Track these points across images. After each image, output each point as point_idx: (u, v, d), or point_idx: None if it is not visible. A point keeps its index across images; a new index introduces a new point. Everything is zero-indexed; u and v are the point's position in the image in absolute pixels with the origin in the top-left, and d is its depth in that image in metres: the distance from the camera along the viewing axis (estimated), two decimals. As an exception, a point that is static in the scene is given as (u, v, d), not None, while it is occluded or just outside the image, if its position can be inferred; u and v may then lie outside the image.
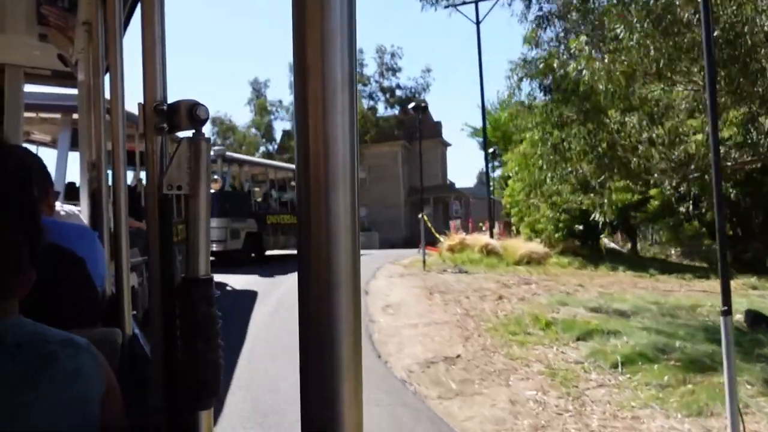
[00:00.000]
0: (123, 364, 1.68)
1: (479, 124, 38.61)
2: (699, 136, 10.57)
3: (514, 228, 31.25)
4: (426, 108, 21.28)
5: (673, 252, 22.70)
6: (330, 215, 0.50)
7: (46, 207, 2.18)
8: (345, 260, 0.51)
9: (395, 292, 11.26)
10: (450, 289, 11.60)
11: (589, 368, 6.24)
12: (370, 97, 44.22)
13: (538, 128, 12.37)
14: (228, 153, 17.16)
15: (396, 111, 42.69)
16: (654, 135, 10.75)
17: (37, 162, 2.22)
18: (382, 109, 43.45)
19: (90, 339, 1.16)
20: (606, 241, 22.12)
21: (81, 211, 4.00)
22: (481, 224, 29.89)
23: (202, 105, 1.08)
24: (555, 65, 10.82)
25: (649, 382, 5.79)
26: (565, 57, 10.86)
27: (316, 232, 0.50)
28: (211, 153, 16.90)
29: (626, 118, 10.83)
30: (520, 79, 12.16)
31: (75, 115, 6.38)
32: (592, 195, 13.90)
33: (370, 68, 44.97)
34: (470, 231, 23.12)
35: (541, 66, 11.39)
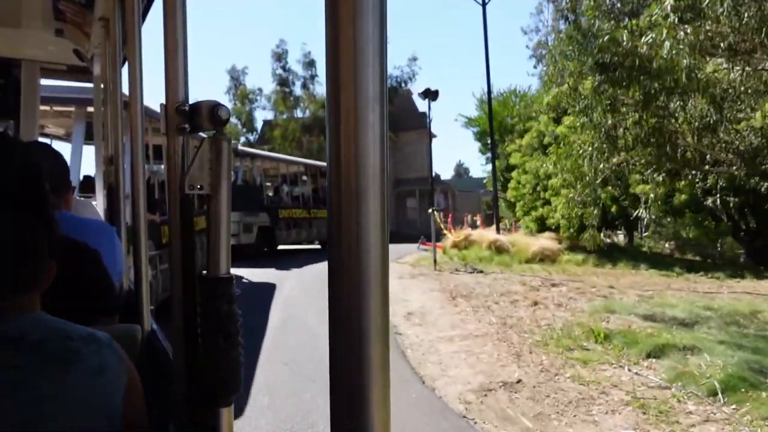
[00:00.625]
0: (142, 359, 1.70)
1: (471, 113, 37.03)
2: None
3: (508, 222, 29.86)
4: (437, 94, 19.99)
5: (666, 246, 21.77)
6: (360, 227, 0.51)
7: (64, 202, 2.21)
8: (375, 268, 0.52)
9: (413, 297, 10.48)
10: (473, 293, 10.80)
11: (681, 397, 5.21)
12: (356, 87, 44.23)
13: (582, 114, 11.52)
14: (240, 147, 17.25)
15: None
16: (724, 120, 9.74)
17: (54, 157, 2.25)
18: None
19: (109, 334, 1.18)
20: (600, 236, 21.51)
21: (96, 204, 4.04)
22: (468, 218, 28.62)
23: (224, 106, 1.10)
24: (623, 38, 9.62)
25: (766, 417, 4.74)
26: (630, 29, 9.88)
27: (347, 243, 0.51)
28: None
29: (691, 101, 9.78)
30: (569, 57, 11.43)
31: (90, 108, 6.44)
32: (646, 186, 12.75)
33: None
34: (449, 225, 22.08)
35: (603, 40, 10.15)
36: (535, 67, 53.30)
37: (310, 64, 40.21)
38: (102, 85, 3.60)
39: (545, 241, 17.55)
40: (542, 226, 22.07)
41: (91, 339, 1.11)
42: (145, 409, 1.23)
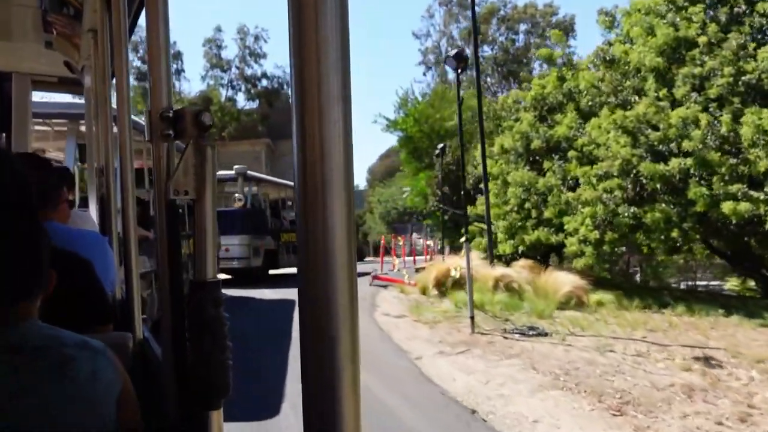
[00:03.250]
0: (135, 367, 1.71)
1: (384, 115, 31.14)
2: None
3: (439, 243, 24.91)
4: (468, 60, 14.27)
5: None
6: (327, 220, 0.53)
7: (59, 213, 2.22)
8: (342, 260, 0.54)
9: (521, 407, 5.79)
10: (608, 389, 6.41)
11: None
12: (231, 86, 39.14)
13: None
14: (249, 171, 17.38)
15: (256, 104, 36.57)
16: None
17: (44, 168, 2.26)
18: (242, 101, 37.41)
19: (102, 342, 1.19)
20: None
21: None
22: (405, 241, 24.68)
23: (207, 111, 1.11)
24: None
25: None
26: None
27: (313, 238, 0.53)
28: (233, 171, 16.96)
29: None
30: None
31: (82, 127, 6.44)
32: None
33: (231, 51, 39.05)
34: (430, 252, 19.97)
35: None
36: (424, 74, 49.33)
37: (176, 56, 37.01)
38: (93, 98, 3.62)
39: (570, 278, 12.83)
40: (531, 251, 16.62)
41: (85, 345, 1.12)
42: (140, 414, 1.24)
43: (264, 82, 37.87)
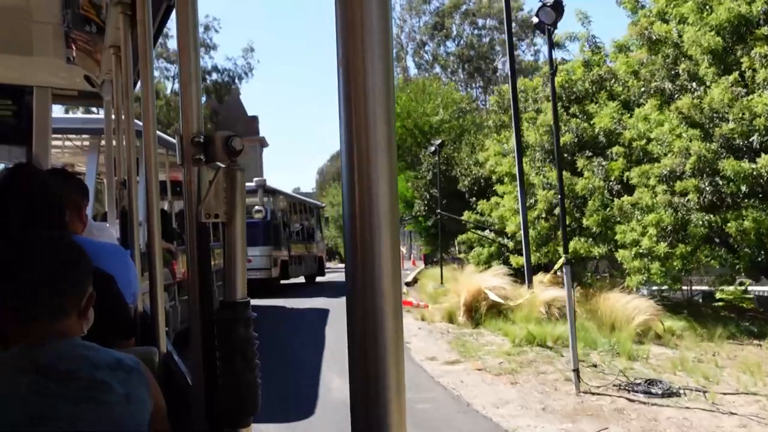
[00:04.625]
0: (159, 381, 1.74)
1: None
2: None
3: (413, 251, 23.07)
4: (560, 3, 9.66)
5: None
6: (372, 208, 0.58)
7: (79, 224, 2.26)
8: (386, 251, 0.59)
9: None
10: None
11: None
12: (177, 78, 38.36)
13: None
14: (267, 184, 17.63)
15: (206, 98, 33.69)
16: None
17: (70, 178, 2.31)
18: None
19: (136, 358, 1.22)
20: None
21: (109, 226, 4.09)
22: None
23: (237, 137, 1.14)
24: None
25: None
26: None
27: (361, 224, 0.58)
28: (253, 182, 17.24)
29: None
30: None
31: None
32: None
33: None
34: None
35: None
36: None
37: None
38: (113, 112, 3.68)
39: (618, 297, 10.49)
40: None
41: (118, 366, 1.15)
42: (170, 429, 1.27)
43: (214, 76, 35.72)
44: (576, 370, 6.89)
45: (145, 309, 2.48)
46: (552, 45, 8.95)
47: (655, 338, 9.60)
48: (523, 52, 40.56)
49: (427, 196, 22.51)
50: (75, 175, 2.43)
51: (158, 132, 2.19)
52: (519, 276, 13.09)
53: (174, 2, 2.44)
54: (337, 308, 12.90)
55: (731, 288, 12.81)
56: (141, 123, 2.29)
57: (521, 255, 13.89)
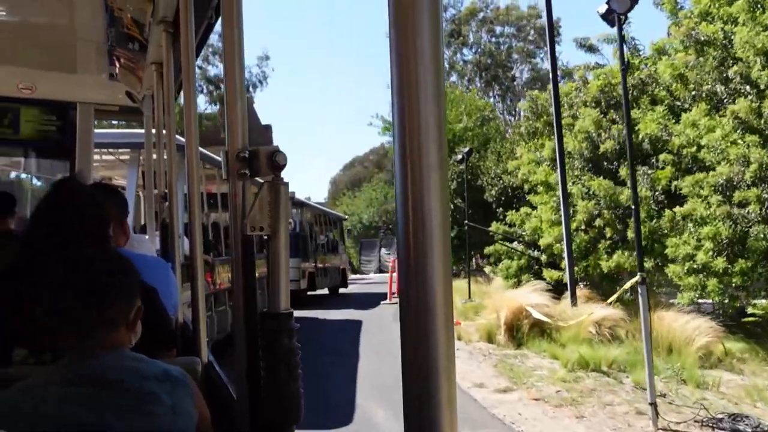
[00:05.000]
0: (202, 391, 1.77)
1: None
2: None
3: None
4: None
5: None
6: (423, 204, 0.59)
7: (122, 237, 2.32)
8: (438, 250, 0.60)
9: None
10: None
11: None
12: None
13: None
14: (296, 197, 17.84)
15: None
16: None
17: (115, 194, 2.37)
18: (203, 104, 33.13)
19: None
20: None
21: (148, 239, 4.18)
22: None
23: (281, 152, 1.17)
24: None
25: None
26: None
27: (414, 225, 0.59)
28: None
29: None
30: None
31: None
32: None
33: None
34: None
35: None
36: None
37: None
38: (153, 126, 3.77)
39: (668, 316, 9.62)
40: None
41: (165, 377, 1.18)
42: None
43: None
44: (653, 404, 6.07)
45: (185, 320, 2.53)
46: (623, 38, 7.95)
47: (719, 362, 8.62)
48: (542, 59, 39.96)
49: (451, 206, 21.85)
50: (116, 189, 2.49)
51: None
52: (554, 291, 12.36)
53: (214, 20, 2.51)
54: (368, 320, 13.13)
55: (764, 302, 11.79)
56: (182, 138, 2.35)
57: (555, 269, 13.35)
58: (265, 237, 1.17)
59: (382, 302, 16.74)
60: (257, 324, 1.20)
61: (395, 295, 17.10)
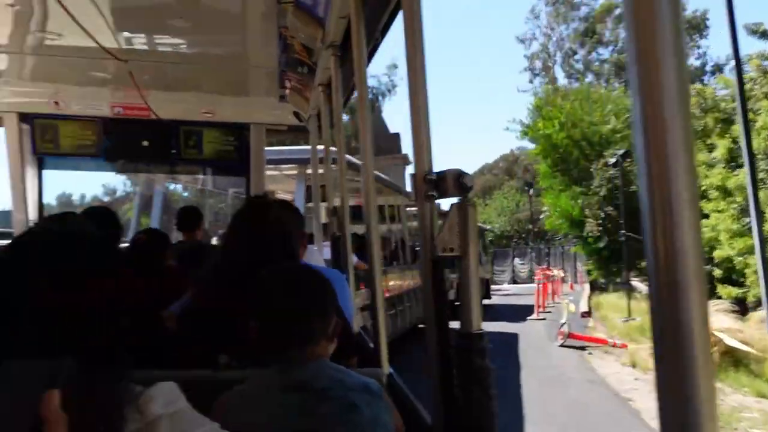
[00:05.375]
0: None
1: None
2: None
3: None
4: None
5: None
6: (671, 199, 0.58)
7: (302, 250, 2.47)
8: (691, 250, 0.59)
9: None
10: None
11: None
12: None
13: None
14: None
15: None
16: None
17: (292, 210, 2.52)
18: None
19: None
20: None
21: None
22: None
23: (468, 174, 1.19)
24: None
25: None
26: None
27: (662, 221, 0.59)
28: None
29: None
30: None
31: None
32: None
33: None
34: None
35: None
36: (530, 81, 44.89)
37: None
38: (325, 144, 3.96)
39: None
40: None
41: (365, 389, 1.24)
42: None
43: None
44: None
45: (359, 330, 2.63)
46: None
47: None
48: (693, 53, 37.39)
49: (601, 214, 20.14)
50: (293, 205, 2.64)
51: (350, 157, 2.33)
52: (736, 312, 11.00)
53: (380, 41, 2.60)
54: (521, 332, 12.95)
55: None
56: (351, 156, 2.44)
57: (734, 285, 11.97)
58: (456, 257, 1.19)
59: (527, 317, 15.94)
60: (450, 344, 1.23)
61: (542, 310, 16.53)
